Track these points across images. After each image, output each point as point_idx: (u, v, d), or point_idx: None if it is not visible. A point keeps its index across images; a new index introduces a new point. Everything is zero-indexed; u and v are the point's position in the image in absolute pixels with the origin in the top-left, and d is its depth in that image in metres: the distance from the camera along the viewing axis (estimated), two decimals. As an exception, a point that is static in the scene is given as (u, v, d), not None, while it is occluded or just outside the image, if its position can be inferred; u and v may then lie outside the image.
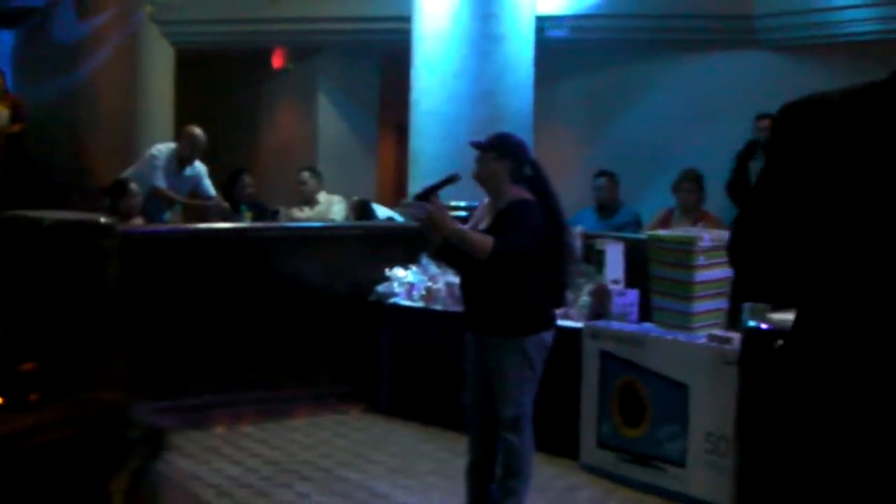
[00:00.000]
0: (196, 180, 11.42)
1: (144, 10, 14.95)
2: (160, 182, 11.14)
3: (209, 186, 11.50)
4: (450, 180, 6.58)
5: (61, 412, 1.61)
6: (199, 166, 11.49)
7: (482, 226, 6.48)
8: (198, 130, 11.43)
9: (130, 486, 1.56)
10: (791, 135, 2.65)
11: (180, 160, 11.33)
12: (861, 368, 2.56)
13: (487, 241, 6.22)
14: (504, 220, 6.33)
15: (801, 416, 2.67)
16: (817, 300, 2.65)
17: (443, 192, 6.57)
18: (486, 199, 6.62)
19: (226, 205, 11.36)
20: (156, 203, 11.16)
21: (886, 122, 2.52)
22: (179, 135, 11.85)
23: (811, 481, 2.65)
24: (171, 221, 11.48)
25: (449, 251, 6.56)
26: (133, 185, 10.60)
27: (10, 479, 1.53)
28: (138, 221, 10.31)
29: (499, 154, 6.47)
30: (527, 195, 6.40)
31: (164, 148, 11.49)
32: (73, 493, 1.54)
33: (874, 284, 2.53)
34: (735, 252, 2.77)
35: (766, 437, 2.77)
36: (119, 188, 10.59)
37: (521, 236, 6.27)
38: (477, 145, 6.56)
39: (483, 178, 6.52)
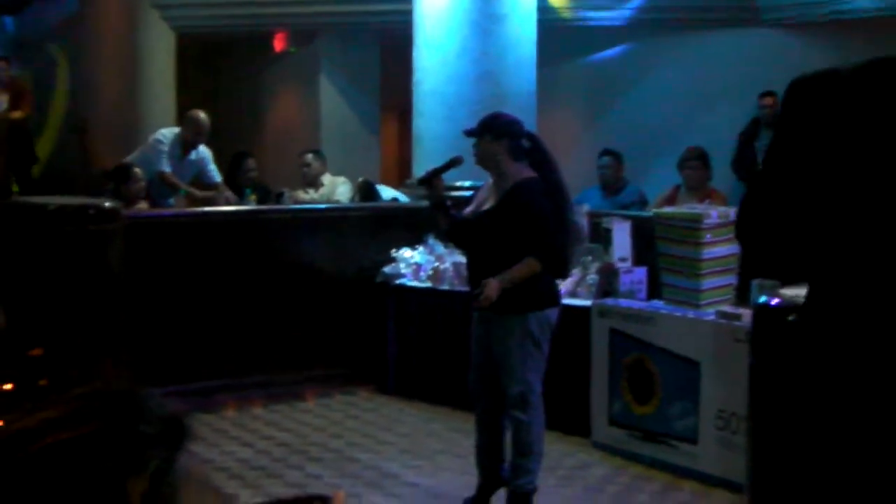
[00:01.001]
0: (201, 164, 11.38)
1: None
2: (166, 167, 11.09)
3: (214, 172, 11.46)
4: (453, 163, 6.64)
5: (72, 407, 1.52)
6: (204, 151, 11.44)
7: (486, 206, 6.51)
8: (202, 114, 11.38)
9: (150, 487, 1.48)
10: (800, 109, 2.64)
11: (185, 145, 11.28)
12: (873, 342, 2.54)
13: (533, 265, 6.32)
14: (511, 210, 6.34)
15: (814, 390, 2.65)
16: (829, 274, 2.63)
17: (446, 174, 6.66)
18: (490, 180, 6.64)
19: (230, 194, 11.32)
20: (160, 188, 11.12)
21: (891, 101, 2.50)
22: (183, 119, 11.81)
23: (826, 456, 2.63)
24: (176, 206, 11.44)
25: (458, 231, 6.59)
26: (137, 170, 10.56)
27: (19, 481, 1.45)
28: (143, 206, 10.28)
29: (494, 136, 6.49)
30: (528, 172, 6.44)
31: (168, 133, 11.44)
32: (87, 495, 1.46)
33: (884, 258, 2.51)
34: (743, 229, 2.76)
35: (780, 413, 2.75)
36: (123, 173, 10.55)
37: (544, 227, 6.34)
38: (470, 132, 6.57)
39: (484, 161, 6.56)
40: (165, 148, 11.20)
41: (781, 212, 2.64)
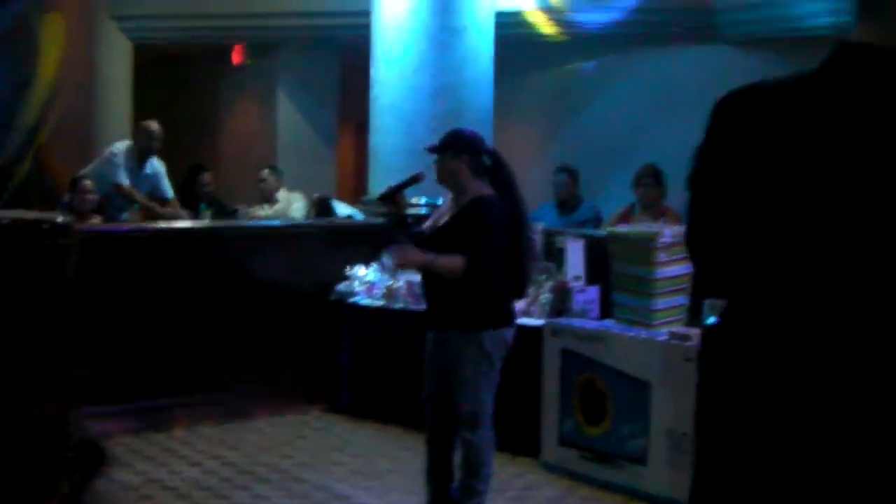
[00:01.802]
0: (155, 180, 11.32)
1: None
2: (123, 179, 11.03)
3: (167, 188, 11.40)
4: (414, 180, 6.62)
5: None
6: (158, 165, 11.38)
7: (442, 221, 6.49)
8: (154, 124, 11.33)
9: None
10: (723, 128, 2.64)
11: (140, 156, 11.22)
12: (790, 362, 2.53)
13: (457, 262, 6.25)
14: (464, 221, 6.33)
15: (730, 408, 2.65)
16: (748, 292, 2.62)
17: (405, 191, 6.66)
18: (450, 197, 6.62)
19: (182, 212, 11.26)
20: (115, 201, 11.05)
21: (816, 115, 2.49)
22: (135, 130, 11.75)
23: (745, 474, 2.63)
24: (130, 220, 11.37)
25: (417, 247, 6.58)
26: (87, 182, 10.50)
27: None
28: (96, 220, 10.21)
29: (455, 152, 6.47)
30: (487, 190, 6.42)
31: (121, 146, 11.38)
32: None
33: (802, 277, 2.50)
34: (691, 247, 2.75)
35: (707, 430, 2.76)
36: (72, 185, 10.51)
37: (486, 241, 6.28)
38: (433, 149, 6.55)
39: (445, 178, 6.53)
40: (121, 161, 11.14)
41: (718, 231, 2.63)
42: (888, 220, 2.43)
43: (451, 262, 6.27)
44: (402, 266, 6.28)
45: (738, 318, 2.64)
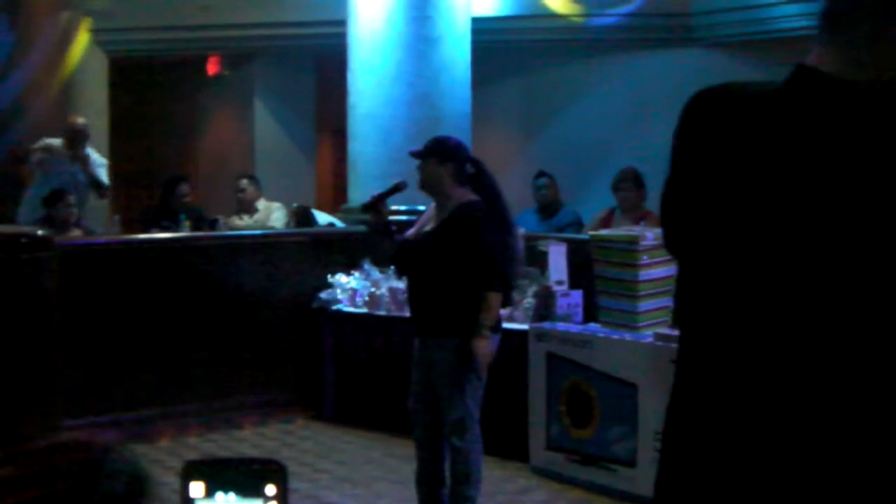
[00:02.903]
0: (92, 167, 11.46)
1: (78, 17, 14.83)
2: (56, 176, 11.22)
3: (103, 175, 11.56)
4: (396, 188, 6.65)
5: (33, 464, 1.46)
6: (96, 157, 11.56)
7: (427, 228, 6.49)
8: (79, 120, 11.50)
9: None
10: (690, 127, 2.64)
11: (71, 153, 11.37)
12: (741, 373, 2.54)
13: (496, 298, 6.33)
14: (455, 227, 6.33)
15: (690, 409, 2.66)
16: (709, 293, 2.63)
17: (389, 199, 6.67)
18: (432, 204, 6.63)
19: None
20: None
21: (768, 137, 2.50)
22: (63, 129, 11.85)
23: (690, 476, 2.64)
24: (112, 232, 11.33)
25: (402, 254, 6.58)
26: (67, 195, 10.51)
27: None
28: (76, 233, 10.19)
29: (439, 159, 6.48)
30: (472, 196, 6.43)
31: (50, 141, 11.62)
32: None
33: (757, 290, 2.51)
34: (670, 245, 2.75)
35: (670, 430, 2.77)
36: (54, 197, 10.49)
37: (490, 252, 6.33)
38: (416, 154, 6.56)
39: (427, 184, 6.54)
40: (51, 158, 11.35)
41: (691, 229, 2.63)
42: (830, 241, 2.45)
43: (494, 302, 6.35)
44: (489, 360, 6.36)
45: (699, 321, 2.65)
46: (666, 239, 2.73)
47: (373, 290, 9.23)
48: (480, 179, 6.54)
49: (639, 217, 9.46)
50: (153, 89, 17.20)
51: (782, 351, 2.47)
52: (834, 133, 2.44)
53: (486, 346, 6.31)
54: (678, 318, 2.54)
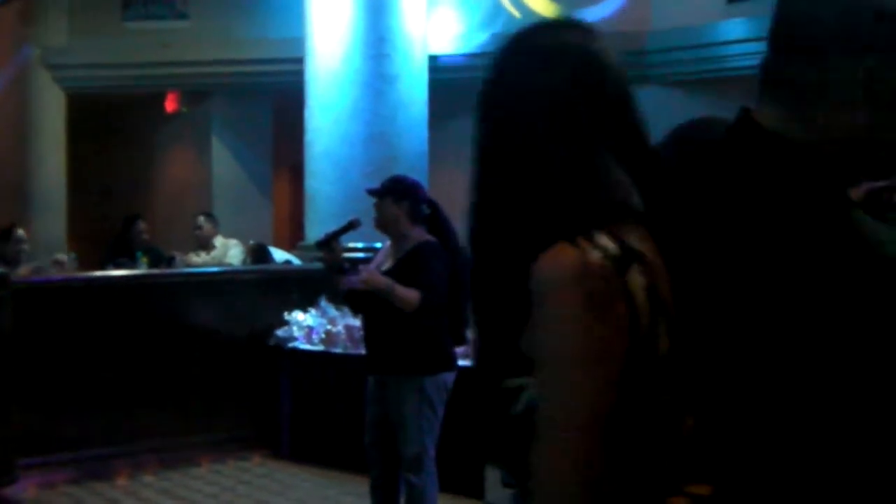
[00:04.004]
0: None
1: (33, 51, 14.83)
2: None
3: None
4: (351, 226, 6.70)
5: None
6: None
7: (384, 268, 6.53)
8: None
9: None
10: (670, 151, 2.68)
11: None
12: None
13: (414, 296, 6.31)
14: (412, 266, 6.38)
15: None
16: None
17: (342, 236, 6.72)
18: (388, 243, 6.67)
19: None
20: None
21: (708, 187, 2.50)
22: None
23: None
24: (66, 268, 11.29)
25: (356, 293, 6.60)
26: (20, 232, 10.49)
27: None
28: (24, 271, 10.12)
29: (395, 198, 6.53)
30: (428, 236, 6.48)
31: None
32: None
33: None
34: None
35: None
36: (5, 234, 10.47)
37: (437, 282, 6.36)
38: (373, 192, 6.61)
39: (384, 223, 6.58)
40: None
41: None
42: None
43: (409, 294, 6.33)
44: (365, 283, 6.32)
45: None
46: None
47: (329, 327, 9.25)
48: (435, 220, 6.59)
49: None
50: (111, 126, 17.18)
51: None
52: (759, 192, 2.42)
53: (374, 277, 6.40)
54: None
